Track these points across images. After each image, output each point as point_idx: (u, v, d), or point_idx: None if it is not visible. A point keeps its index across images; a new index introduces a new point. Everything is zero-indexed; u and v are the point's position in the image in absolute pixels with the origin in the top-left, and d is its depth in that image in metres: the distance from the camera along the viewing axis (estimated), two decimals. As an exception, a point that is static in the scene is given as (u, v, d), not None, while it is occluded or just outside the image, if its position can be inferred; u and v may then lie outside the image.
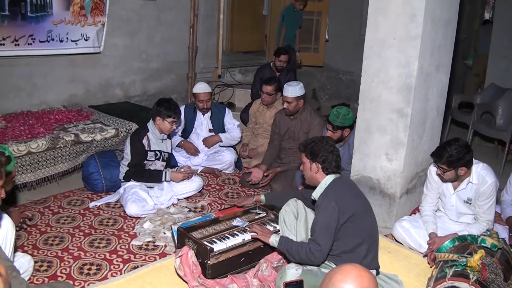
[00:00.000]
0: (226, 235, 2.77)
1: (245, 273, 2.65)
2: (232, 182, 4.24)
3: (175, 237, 2.82)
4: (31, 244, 2.98)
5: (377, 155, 3.23)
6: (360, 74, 3.24)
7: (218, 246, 2.62)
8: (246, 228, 2.86)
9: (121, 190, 3.59)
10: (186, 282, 2.52)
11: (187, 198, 3.77)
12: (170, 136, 3.83)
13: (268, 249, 2.65)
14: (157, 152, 3.62)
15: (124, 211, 3.42)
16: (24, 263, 2.42)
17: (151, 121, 3.61)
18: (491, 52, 5.83)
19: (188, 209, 3.58)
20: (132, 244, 3.04)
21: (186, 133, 4.47)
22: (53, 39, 4.25)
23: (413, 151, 3.21)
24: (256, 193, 3.99)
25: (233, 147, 4.52)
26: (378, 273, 2.51)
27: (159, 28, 5.25)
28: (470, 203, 2.91)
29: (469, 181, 2.85)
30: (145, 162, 3.59)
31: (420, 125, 3.22)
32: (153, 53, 5.27)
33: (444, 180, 2.92)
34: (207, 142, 4.39)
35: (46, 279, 2.61)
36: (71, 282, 2.52)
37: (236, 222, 2.95)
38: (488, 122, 5.17)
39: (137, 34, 5.07)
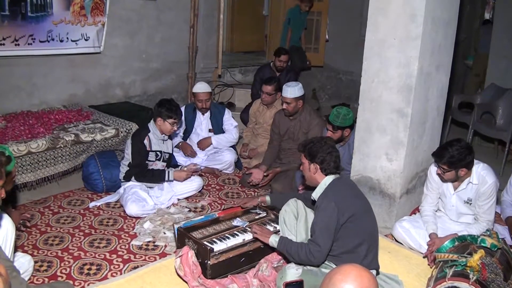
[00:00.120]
0: (226, 235, 2.77)
1: (245, 273, 2.64)
2: (232, 182, 4.24)
3: (177, 237, 2.82)
4: (31, 244, 2.98)
5: (377, 155, 3.23)
6: (360, 74, 3.24)
7: (218, 246, 2.62)
8: (246, 228, 2.86)
9: (121, 190, 3.59)
10: (186, 282, 2.52)
11: (187, 198, 3.77)
12: (171, 137, 3.83)
13: (268, 249, 2.65)
14: (158, 152, 3.62)
15: (124, 211, 3.42)
16: (24, 263, 2.42)
17: (152, 121, 3.61)
18: (491, 52, 5.82)
19: (188, 209, 3.58)
20: (132, 244, 3.04)
21: (186, 133, 4.47)
22: (53, 39, 4.25)
23: (413, 151, 3.21)
24: (256, 193, 3.99)
25: (233, 147, 4.51)
26: (378, 273, 2.51)
27: (159, 28, 5.24)
28: (470, 203, 2.91)
29: (470, 181, 2.85)
30: (146, 162, 3.59)
31: (420, 125, 3.22)
32: (153, 53, 5.27)
33: (444, 180, 2.92)
34: (201, 144, 4.38)
35: (46, 279, 2.61)
36: (71, 282, 2.52)
37: (236, 222, 2.95)
38: (488, 122, 5.17)
39: (137, 34, 5.07)
